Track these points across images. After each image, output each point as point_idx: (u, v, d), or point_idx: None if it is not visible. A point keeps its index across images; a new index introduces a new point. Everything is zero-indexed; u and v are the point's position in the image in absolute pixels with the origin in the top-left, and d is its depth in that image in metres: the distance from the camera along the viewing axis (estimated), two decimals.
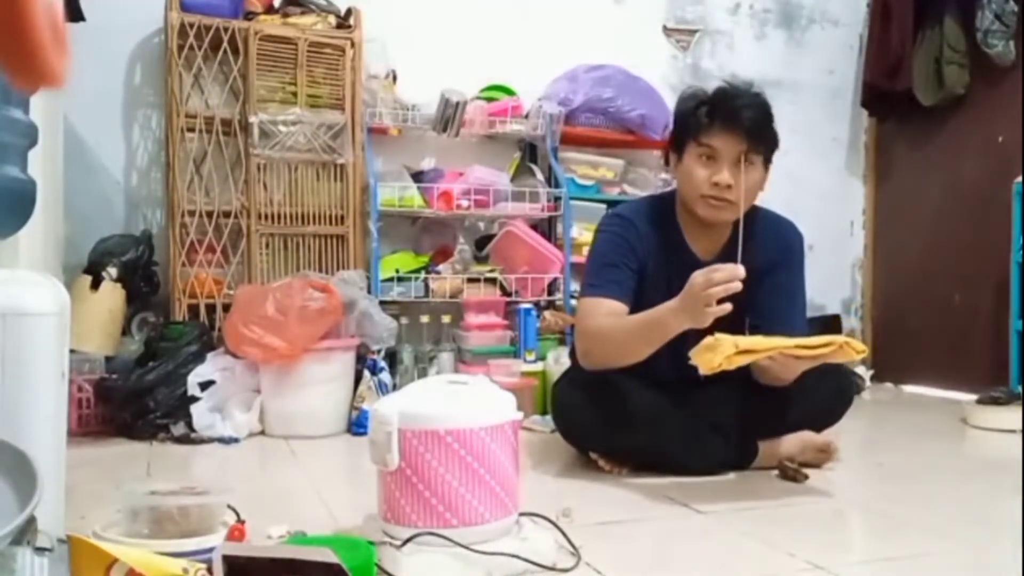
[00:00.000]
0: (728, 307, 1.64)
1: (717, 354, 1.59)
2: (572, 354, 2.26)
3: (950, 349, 3.57)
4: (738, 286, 1.64)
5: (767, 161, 1.93)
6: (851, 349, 1.67)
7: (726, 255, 1.97)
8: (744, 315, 1.96)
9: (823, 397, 2.02)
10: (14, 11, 0.62)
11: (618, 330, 1.87)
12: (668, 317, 1.75)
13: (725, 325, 1.73)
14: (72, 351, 1.60)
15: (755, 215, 2.01)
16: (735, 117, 1.86)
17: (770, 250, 2.00)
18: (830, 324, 3.80)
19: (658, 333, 1.78)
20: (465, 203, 3.10)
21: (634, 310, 1.96)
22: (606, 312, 1.90)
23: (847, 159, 4.08)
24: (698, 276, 1.67)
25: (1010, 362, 3.12)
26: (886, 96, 3.77)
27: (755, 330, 1.90)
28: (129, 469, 2.06)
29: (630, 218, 2.02)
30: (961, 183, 3.57)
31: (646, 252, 1.98)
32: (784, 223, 2.10)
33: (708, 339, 1.64)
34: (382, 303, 2.83)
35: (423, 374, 2.82)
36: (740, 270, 1.65)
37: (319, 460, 2.24)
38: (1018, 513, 1.57)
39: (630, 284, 1.94)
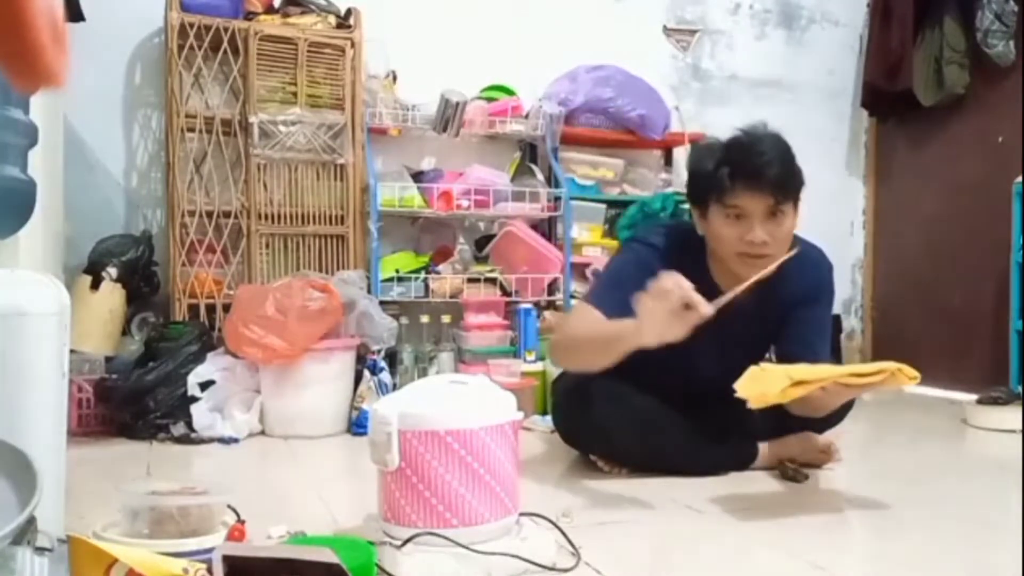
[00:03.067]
0: (686, 327, 1.56)
1: (771, 387, 1.54)
2: None
3: (950, 349, 3.57)
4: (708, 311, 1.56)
5: (797, 203, 1.83)
6: (904, 376, 1.60)
7: (757, 294, 1.94)
8: (769, 345, 1.94)
9: None
10: (14, 11, 0.62)
11: (586, 332, 1.81)
12: (627, 332, 1.64)
13: (747, 354, 1.71)
14: (72, 351, 1.59)
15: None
16: (758, 175, 1.75)
17: (802, 284, 1.93)
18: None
19: (614, 346, 1.69)
20: (465, 203, 3.10)
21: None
22: (585, 318, 1.84)
23: (847, 159, 4.08)
24: (654, 294, 1.58)
25: (1010, 362, 3.12)
26: (886, 96, 3.77)
27: (783, 359, 1.89)
28: (129, 469, 2.06)
29: (661, 248, 1.91)
30: (961, 183, 3.57)
31: None
32: (815, 256, 2.00)
33: (754, 369, 1.59)
34: (382, 303, 2.83)
35: (423, 374, 2.82)
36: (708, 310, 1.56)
37: (319, 460, 2.24)
38: (1018, 513, 1.57)
39: (631, 308, 1.79)
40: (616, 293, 1.82)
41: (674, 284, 1.56)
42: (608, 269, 2.01)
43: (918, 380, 1.62)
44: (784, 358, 1.90)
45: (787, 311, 1.94)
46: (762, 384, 1.56)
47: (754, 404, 1.56)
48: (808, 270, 1.96)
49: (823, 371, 1.63)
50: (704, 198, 1.83)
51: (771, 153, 1.78)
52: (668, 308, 1.55)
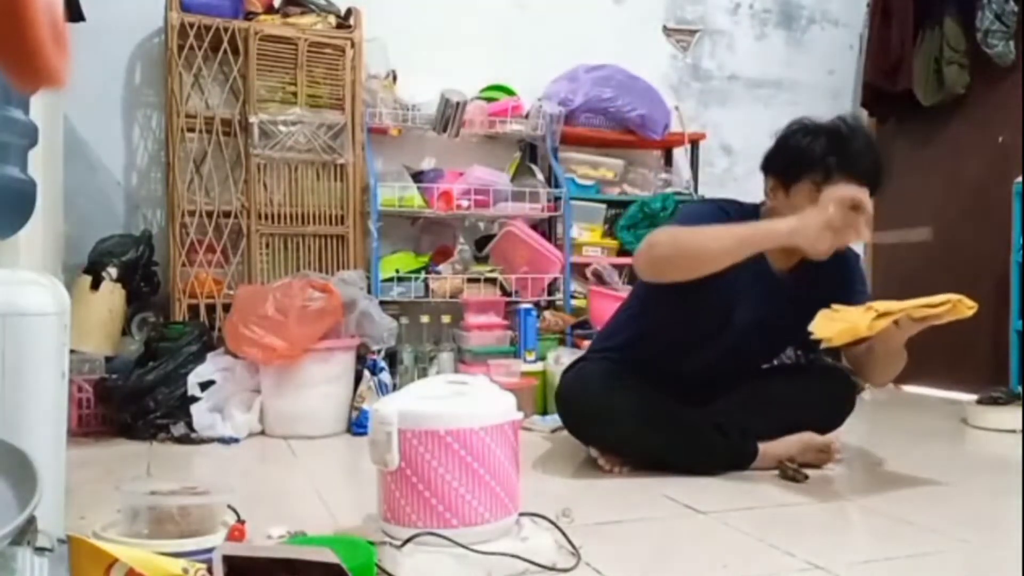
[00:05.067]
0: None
1: (856, 324, 1.61)
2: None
3: (950, 349, 3.55)
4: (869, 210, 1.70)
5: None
6: (964, 306, 1.69)
7: (802, 270, 1.96)
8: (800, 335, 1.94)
9: (826, 400, 2.02)
10: (14, 11, 0.62)
11: (708, 231, 1.82)
12: (776, 229, 1.76)
13: (784, 338, 1.73)
14: (72, 351, 1.59)
15: None
16: (859, 170, 1.84)
17: (833, 267, 1.95)
18: None
19: (760, 239, 1.79)
20: (465, 203, 3.10)
21: (698, 305, 1.94)
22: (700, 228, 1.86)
23: None
24: (837, 192, 1.71)
25: (1010, 362, 3.12)
26: (886, 96, 3.77)
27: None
28: (129, 469, 2.06)
29: (730, 214, 1.97)
30: (961, 183, 3.57)
31: None
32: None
33: (825, 312, 1.66)
34: (382, 303, 2.83)
35: (423, 374, 2.82)
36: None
37: (319, 460, 2.24)
38: (1018, 513, 1.57)
39: None
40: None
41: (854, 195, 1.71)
42: (688, 212, 2.08)
43: (975, 309, 1.70)
44: None
45: (824, 297, 1.89)
46: (844, 321, 1.62)
47: (839, 340, 1.63)
48: (840, 258, 1.97)
49: (901, 304, 1.70)
50: (797, 174, 1.89)
51: (873, 152, 1.89)
52: (837, 216, 1.70)
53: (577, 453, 2.11)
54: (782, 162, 1.94)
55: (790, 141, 1.93)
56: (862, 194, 1.74)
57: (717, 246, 1.79)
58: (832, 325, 1.63)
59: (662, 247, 1.85)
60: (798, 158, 1.89)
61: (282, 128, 2.88)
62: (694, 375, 1.98)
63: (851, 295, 1.92)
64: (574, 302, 3.25)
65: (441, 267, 3.10)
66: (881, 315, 1.64)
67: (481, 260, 3.21)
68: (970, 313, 1.69)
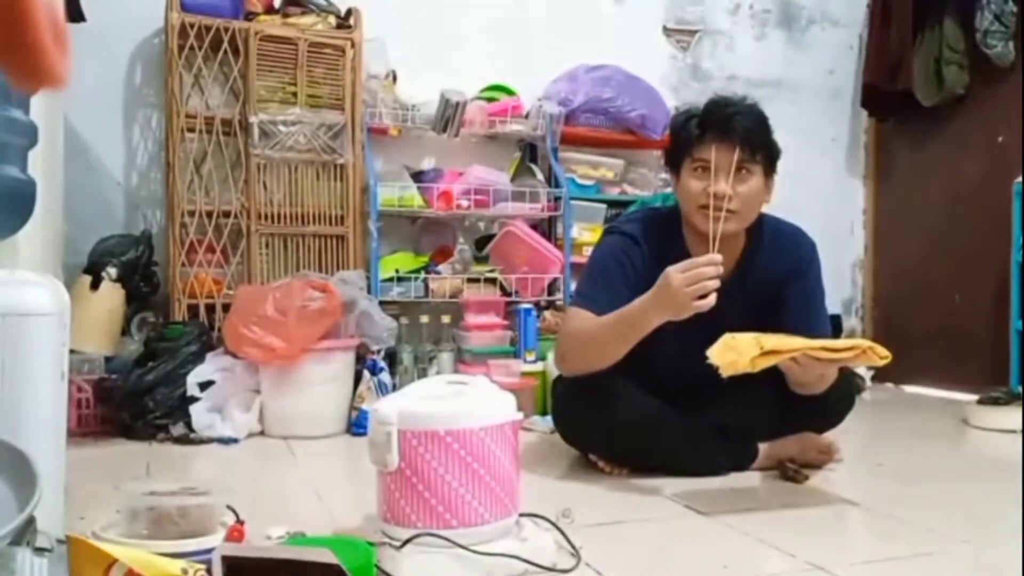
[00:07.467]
0: (711, 301, 1.64)
1: (742, 356, 1.54)
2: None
3: (950, 349, 3.56)
4: (716, 284, 1.64)
5: (768, 171, 1.88)
6: (875, 355, 1.61)
7: (738, 273, 1.94)
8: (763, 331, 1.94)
9: (825, 399, 2.02)
10: (15, 11, 0.62)
11: (593, 329, 1.83)
12: (644, 313, 1.72)
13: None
14: (72, 351, 1.59)
15: (763, 228, 1.97)
16: (726, 126, 1.80)
17: (783, 263, 1.96)
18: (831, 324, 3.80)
19: (633, 330, 1.76)
20: (465, 203, 3.10)
21: None
22: (586, 318, 1.87)
23: (847, 159, 4.08)
24: (674, 271, 1.66)
25: (1010, 362, 3.12)
26: (886, 96, 3.77)
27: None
28: (129, 469, 2.06)
29: (633, 235, 1.95)
30: (961, 183, 3.57)
31: (647, 271, 1.88)
32: (794, 234, 2.04)
33: (726, 337, 1.59)
34: (382, 303, 2.83)
35: (423, 374, 2.82)
36: (717, 257, 1.65)
37: (319, 460, 2.24)
38: (1018, 513, 1.57)
39: (621, 301, 1.82)
40: (602, 289, 1.87)
41: (684, 275, 1.64)
42: (590, 265, 2.04)
43: (889, 360, 1.62)
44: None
45: (773, 293, 1.94)
46: (733, 352, 1.55)
47: (725, 372, 1.55)
48: (785, 249, 1.99)
49: (794, 342, 1.63)
50: (678, 158, 1.89)
51: (742, 109, 1.84)
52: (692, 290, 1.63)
53: (577, 453, 2.11)
54: (668, 153, 1.95)
55: (670, 127, 1.97)
56: (689, 269, 1.65)
57: (608, 350, 1.81)
58: (725, 353, 1.56)
59: (572, 362, 1.92)
60: (674, 139, 1.91)
61: (282, 128, 2.88)
62: (677, 381, 1.96)
63: (799, 284, 1.92)
64: (570, 307, 3.25)
65: (441, 267, 3.10)
66: (767, 353, 1.56)
67: (481, 260, 3.21)
68: (882, 363, 1.62)
